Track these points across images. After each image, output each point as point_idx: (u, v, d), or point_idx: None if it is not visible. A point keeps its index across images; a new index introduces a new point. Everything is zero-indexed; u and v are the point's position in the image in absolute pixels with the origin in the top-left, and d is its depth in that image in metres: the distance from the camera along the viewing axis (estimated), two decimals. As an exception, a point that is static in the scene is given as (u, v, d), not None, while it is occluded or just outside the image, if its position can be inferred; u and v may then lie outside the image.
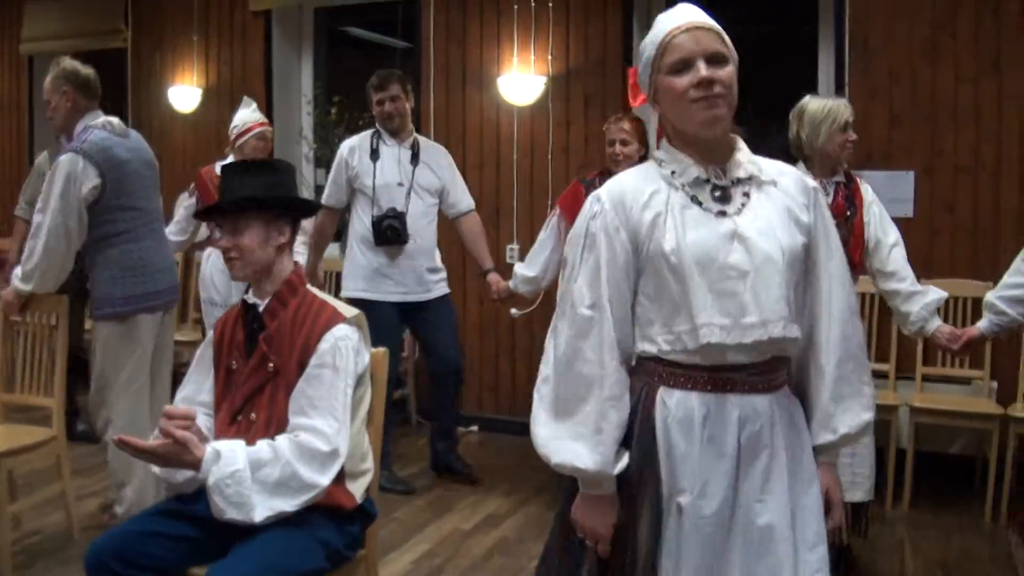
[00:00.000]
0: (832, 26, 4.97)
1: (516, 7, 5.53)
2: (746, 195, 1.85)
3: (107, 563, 2.30)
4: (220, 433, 2.51)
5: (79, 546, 3.64)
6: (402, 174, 4.57)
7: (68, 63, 3.86)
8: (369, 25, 6.82)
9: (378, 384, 2.71)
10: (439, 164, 4.70)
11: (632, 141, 4.11)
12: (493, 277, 4.62)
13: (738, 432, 1.80)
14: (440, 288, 4.72)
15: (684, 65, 1.79)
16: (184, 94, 6.67)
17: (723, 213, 1.83)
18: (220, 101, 6.59)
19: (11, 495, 3.87)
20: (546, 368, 1.92)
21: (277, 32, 6.47)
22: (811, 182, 1.95)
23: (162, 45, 6.87)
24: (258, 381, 2.48)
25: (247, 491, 2.25)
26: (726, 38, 1.83)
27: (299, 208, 2.64)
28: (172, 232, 4.81)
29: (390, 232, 4.49)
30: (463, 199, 4.78)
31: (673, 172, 1.87)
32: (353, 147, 4.64)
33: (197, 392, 2.63)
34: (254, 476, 2.27)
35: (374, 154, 4.58)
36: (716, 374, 1.81)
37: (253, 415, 2.46)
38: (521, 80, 5.51)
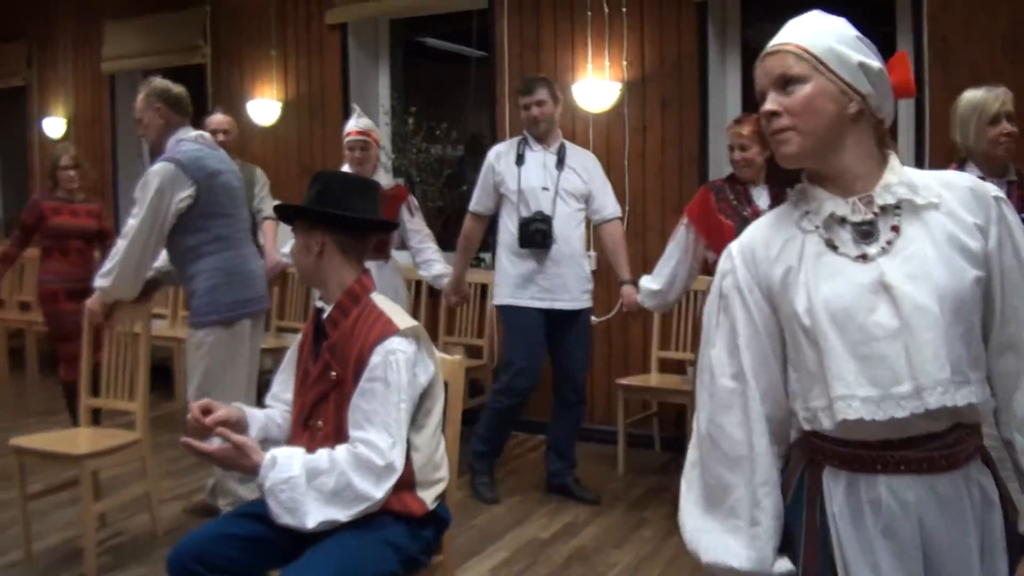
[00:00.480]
0: (910, 24, 4.82)
1: (590, 13, 5.52)
2: (895, 228, 1.53)
3: (188, 565, 2.33)
4: (294, 436, 2.54)
5: (162, 547, 3.72)
6: (547, 178, 4.53)
7: (159, 81, 3.99)
8: (444, 35, 6.86)
9: (454, 393, 2.70)
10: (586, 168, 4.64)
11: (751, 145, 3.84)
12: (627, 290, 4.52)
13: (918, 523, 1.49)
14: (585, 300, 4.65)
15: (762, 99, 1.59)
16: (264, 108, 6.79)
17: (864, 257, 1.53)
18: (299, 114, 6.72)
19: (97, 496, 4.00)
20: (692, 450, 1.70)
21: (353, 44, 6.55)
22: (993, 189, 1.58)
23: (241, 60, 7.01)
24: (322, 389, 2.49)
25: (301, 497, 2.27)
26: (811, 49, 1.53)
27: (330, 221, 2.57)
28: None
29: (537, 235, 4.45)
30: (608, 205, 4.67)
31: (807, 212, 1.60)
32: (500, 153, 4.66)
33: (283, 390, 2.68)
34: (310, 483, 2.29)
35: (520, 159, 4.57)
36: (877, 452, 1.51)
37: (320, 423, 2.48)
38: (596, 86, 5.49)
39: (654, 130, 5.46)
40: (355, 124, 4.87)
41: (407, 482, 2.41)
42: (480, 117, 6.31)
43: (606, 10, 5.48)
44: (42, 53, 8.51)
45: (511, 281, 4.56)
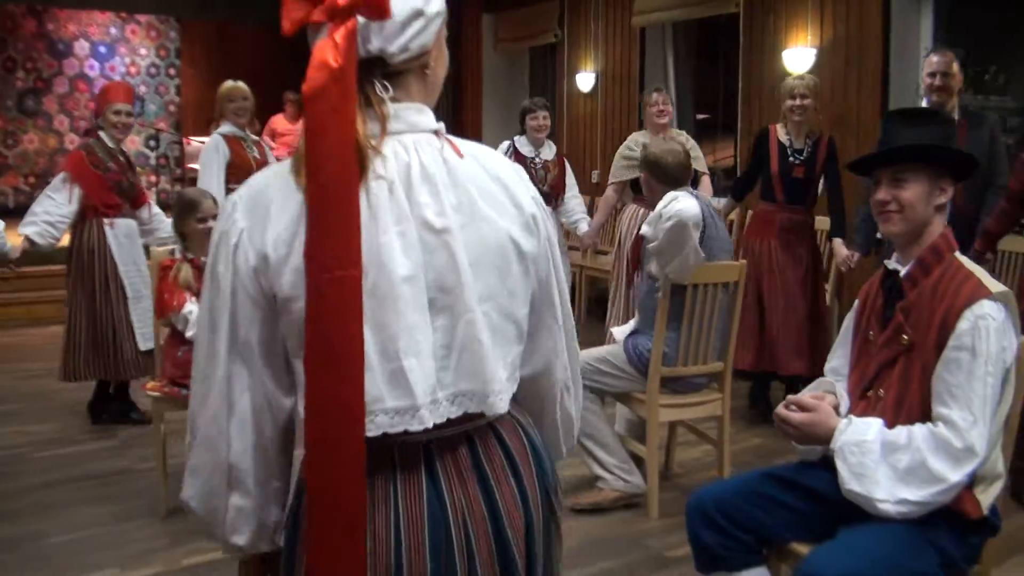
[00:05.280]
0: None
1: None
2: None
3: (710, 513, 2.29)
4: (853, 410, 2.34)
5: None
6: None
7: (648, 151, 4.04)
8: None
9: (1021, 378, 2.29)
10: None
11: None
12: None
13: None
14: None
15: None
16: (799, 55, 6.49)
17: None
18: (834, 60, 6.33)
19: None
20: None
21: (896, -16, 5.98)
22: None
23: (776, 7, 6.75)
24: (891, 354, 2.24)
25: (873, 465, 2.08)
26: None
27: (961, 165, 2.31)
28: None
29: None
30: None
31: None
32: None
33: (843, 364, 2.50)
34: (884, 456, 2.09)
35: None
36: None
37: (882, 391, 2.24)
38: None
39: None
40: None
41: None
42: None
43: None
44: (574, 10, 8.96)
45: None
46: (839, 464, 2.12)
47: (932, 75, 4.37)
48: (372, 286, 1.24)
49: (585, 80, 8.90)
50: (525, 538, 1.39)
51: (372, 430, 1.25)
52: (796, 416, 2.24)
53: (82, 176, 4.76)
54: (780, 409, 2.30)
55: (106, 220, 4.83)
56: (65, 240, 4.95)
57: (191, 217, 3.87)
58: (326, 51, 1.22)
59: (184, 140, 11.97)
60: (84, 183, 4.76)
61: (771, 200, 5.13)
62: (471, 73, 10.24)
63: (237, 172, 4.99)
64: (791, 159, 5.01)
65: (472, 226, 1.31)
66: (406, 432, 1.28)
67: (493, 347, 1.32)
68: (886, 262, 2.35)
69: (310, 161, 1.22)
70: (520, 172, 1.45)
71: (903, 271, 2.27)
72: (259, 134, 5.66)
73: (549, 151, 6.11)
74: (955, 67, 4.34)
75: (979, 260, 3.94)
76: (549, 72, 9.88)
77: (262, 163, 5.11)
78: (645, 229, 3.73)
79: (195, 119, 11.93)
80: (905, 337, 2.20)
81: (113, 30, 12.19)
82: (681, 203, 3.63)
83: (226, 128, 5.20)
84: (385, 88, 1.31)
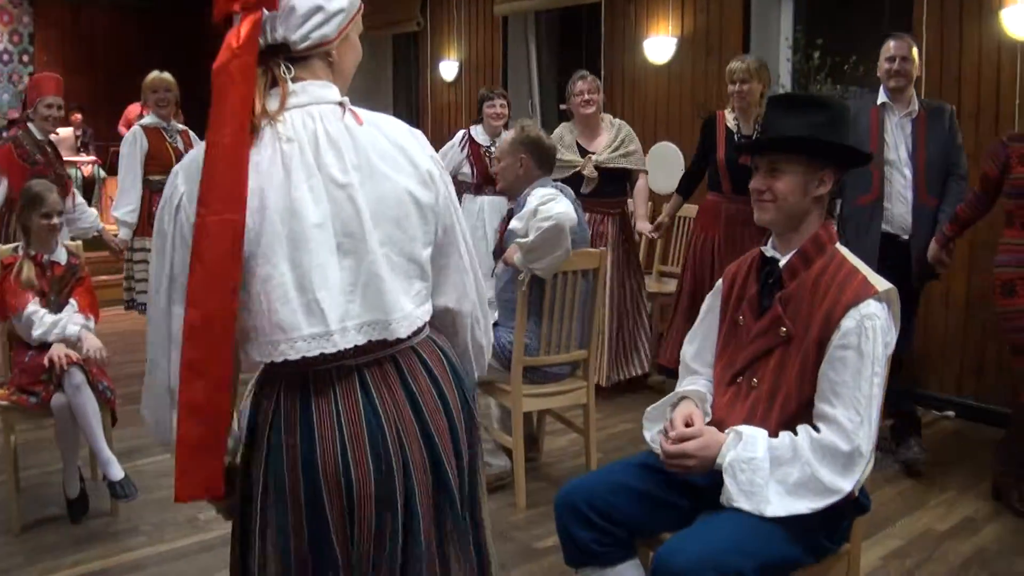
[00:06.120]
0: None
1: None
2: None
3: (582, 510, 2.25)
4: (717, 394, 2.33)
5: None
6: None
7: (533, 130, 3.90)
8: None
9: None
10: None
11: None
12: None
13: None
14: None
15: None
16: (660, 45, 6.58)
17: None
18: (695, 50, 6.44)
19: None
20: None
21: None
22: None
23: (636, -3, 6.83)
24: (766, 344, 2.22)
25: (762, 481, 2.05)
26: None
27: (848, 158, 2.29)
28: None
29: None
30: None
31: None
32: None
33: (706, 350, 2.45)
34: (772, 472, 2.07)
35: None
36: None
37: (755, 380, 2.22)
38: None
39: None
40: None
41: None
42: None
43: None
44: (437, -2, 8.87)
45: None
46: (728, 480, 2.07)
47: (891, 59, 4.16)
48: (289, 231, 1.49)
49: (448, 69, 8.84)
50: (450, 438, 1.66)
51: (292, 355, 1.51)
52: (692, 444, 2.14)
53: (10, 168, 4.74)
54: (669, 447, 2.17)
55: None
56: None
57: (35, 212, 3.68)
58: (232, 36, 1.49)
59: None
60: (11, 176, 4.71)
61: (718, 190, 4.86)
62: (333, 60, 10.03)
63: (156, 163, 5.11)
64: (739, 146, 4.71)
65: (371, 182, 1.54)
66: (337, 358, 1.53)
67: (394, 283, 1.56)
68: (763, 248, 2.31)
69: (211, 123, 1.46)
70: (418, 136, 1.67)
71: (783, 260, 2.24)
72: (185, 124, 5.68)
73: None
74: (914, 52, 4.20)
75: (947, 245, 4.04)
76: (412, 61, 9.78)
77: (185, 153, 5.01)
78: (515, 224, 3.66)
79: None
80: (784, 329, 2.18)
81: (-37, 15, 11.49)
82: (560, 206, 3.58)
83: (148, 119, 5.33)
84: (288, 69, 1.56)
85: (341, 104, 1.59)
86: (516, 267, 3.67)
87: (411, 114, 9.38)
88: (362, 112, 1.62)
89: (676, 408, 2.31)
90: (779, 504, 2.04)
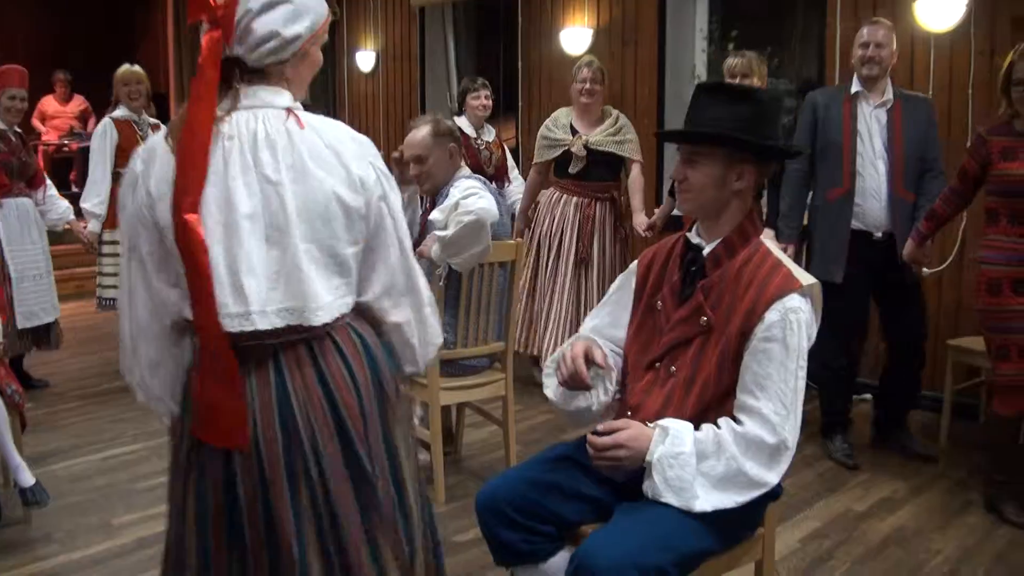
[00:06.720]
0: None
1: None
2: None
3: (505, 512, 2.20)
4: (632, 379, 2.29)
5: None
6: None
7: (445, 120, 3.88)
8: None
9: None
10: None
11: None
12: None
13: None
14: None
15: None
16: (576, 36, 6.58)
17: None
18: (611, 41, 6.44)
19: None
20: None
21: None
22: None
23: (553, -13, 6.82)
24: (686, 333, 2.19)
25: (690, 478, 2.03)
26: None
27: (772, 153, 2.25)
28: None
29: None
30: None
31: None
32: None
33: (611, 326, 2.41)
34: (698, 466, 2.04)
35: None
36: None
37: (673, 368, 2.20)
38: (939, 2, 4.71)
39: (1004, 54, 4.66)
40: None
41: None
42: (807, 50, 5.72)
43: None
44: (352, -12, 8.77)
45: None
46: (656, 476, 2.04)
47: (864, 46, 4.06)
48: (224, 219, 1.64)
49: (365, 59, 8.73)
50: (360, 414, 1.77)
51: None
52: (623, 434, 2.07)
53: None
54: (599, 440, 2.08)
55: None
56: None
57: None
58: (204, 42, 1.66)
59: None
60: None
61: None
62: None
63: (126, 156, 5.01)
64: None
65: (302, 182, 1.67)
66: (258, 337, 1.67)
67: (314, 276, 1.69)
68: (688, 235, 2.28)
69: (186, 127, 1.62)
70: (362, 143, 1.79)
71: (707, 249, 2.21)
72: (156, 116, 5.69)
73: (489, 133, 5.78)
74: (892, 40, 4.08)
75: (923, 243, 3.90)
76: (329, 51, 9.60)
77: None
78: (436, 215, 3.60)
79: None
80: (705, 318, 2.16)
81: None
82: (483, 202, 3.52)
83: (119, 112, 5.38)
84: (242, 79, 1.71)
85: (289, 109, 1.73)
86: (431, 260, 3.60)
87: (328, 105, 9.23)
88: (309, 117, 1.75)
89: (572, 346, 2.27)
90: (706, 499, 2.02)
